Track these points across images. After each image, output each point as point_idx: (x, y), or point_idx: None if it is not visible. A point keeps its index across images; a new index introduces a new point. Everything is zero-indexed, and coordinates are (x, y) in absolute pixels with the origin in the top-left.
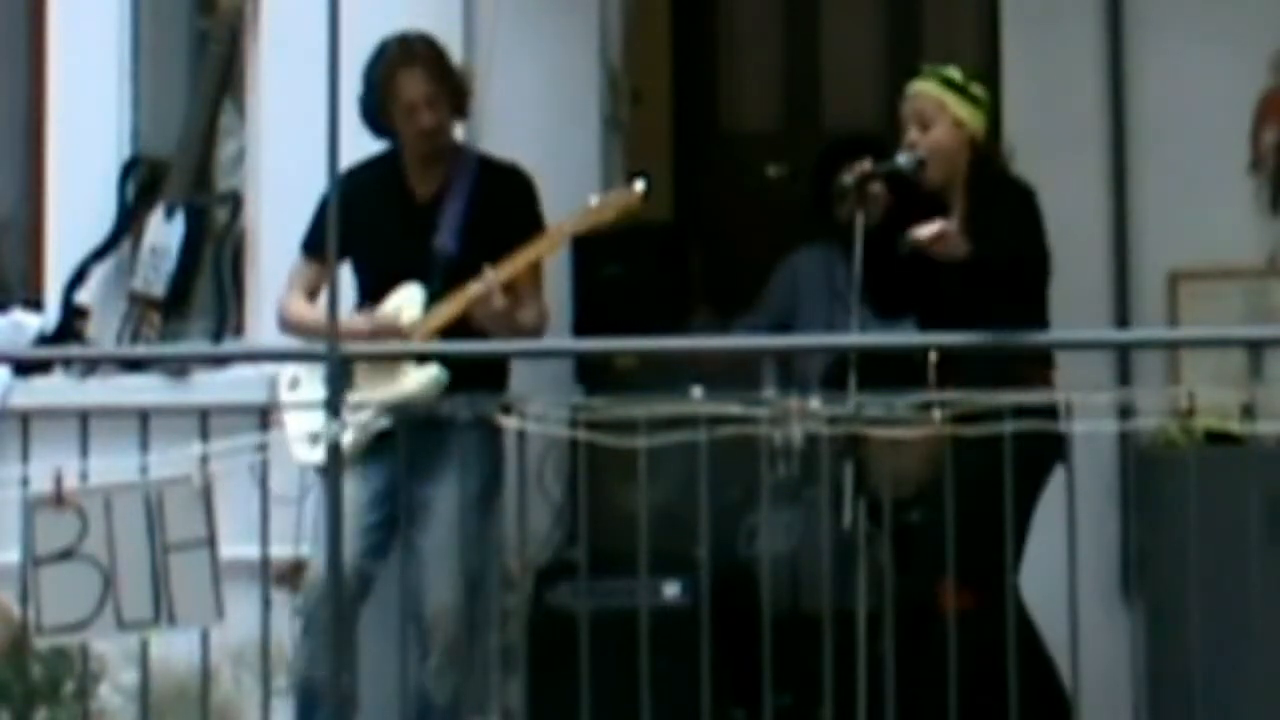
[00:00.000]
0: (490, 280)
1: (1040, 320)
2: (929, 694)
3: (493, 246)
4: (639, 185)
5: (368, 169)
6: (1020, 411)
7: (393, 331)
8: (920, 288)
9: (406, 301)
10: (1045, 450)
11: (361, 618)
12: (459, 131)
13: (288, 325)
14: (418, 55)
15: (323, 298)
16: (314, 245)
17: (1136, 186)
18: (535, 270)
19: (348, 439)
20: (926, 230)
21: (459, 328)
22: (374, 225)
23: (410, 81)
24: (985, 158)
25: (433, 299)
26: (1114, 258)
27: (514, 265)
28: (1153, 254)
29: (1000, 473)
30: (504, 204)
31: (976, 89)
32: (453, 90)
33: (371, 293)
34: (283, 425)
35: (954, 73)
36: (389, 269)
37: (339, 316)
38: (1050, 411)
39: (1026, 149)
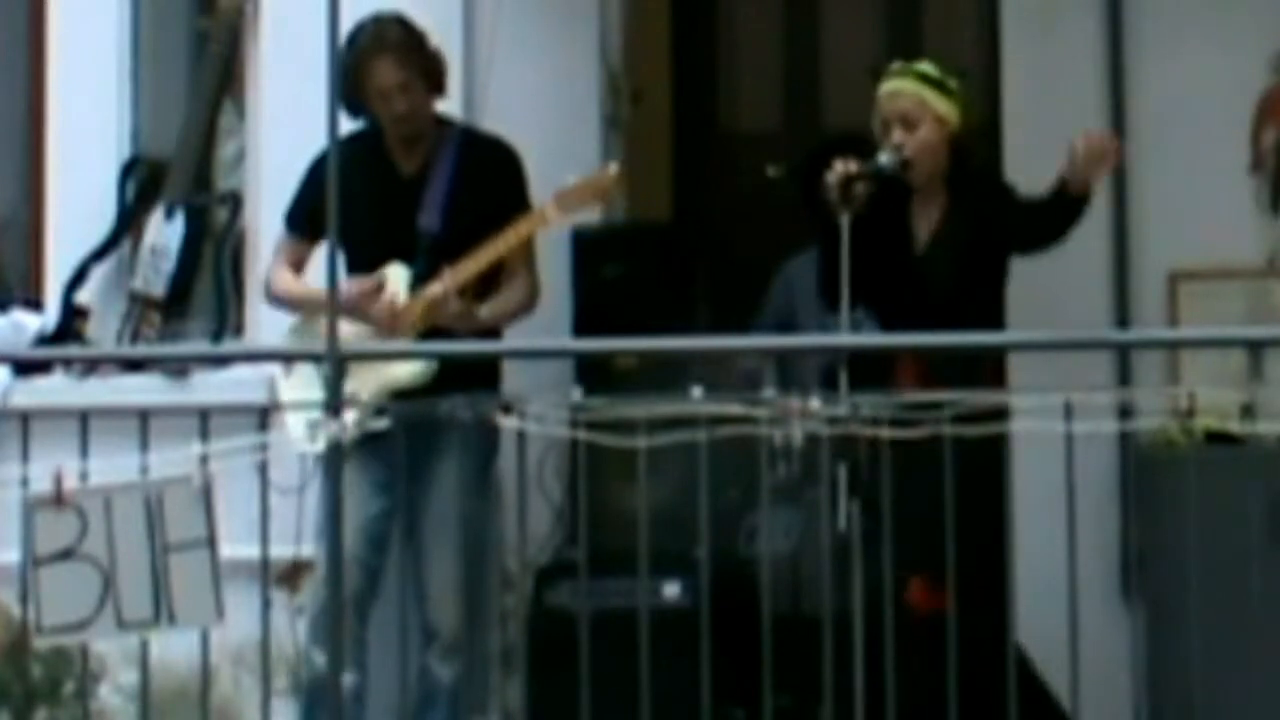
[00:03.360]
0: (447, 284)
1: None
2: (916, 695)
3: (478, 223)
4: (612, 167)
5: (350, 144)
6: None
7: (381, 308)
8: (875, 281)
9: (391, 280)
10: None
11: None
12: (453, 106)
13: (274, 299)
14: (389, 42)
15: (309, 273)
16: (296, 220)
17: (1136, 186)
18: (525, 244)
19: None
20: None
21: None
22: (357, 202)
23: (382, 69)
24: (965, 151)
25: (418, 279)
26: (1114, 258)
27: (476, 263)
28: (1153, 254)
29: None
30: (489, 180)
31: (952, 82)
32: (426, 72)
33: (355, 270)
34: (282, 419)
35: (929, 68)
36: (373, 246)
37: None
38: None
39: (1026, 149)
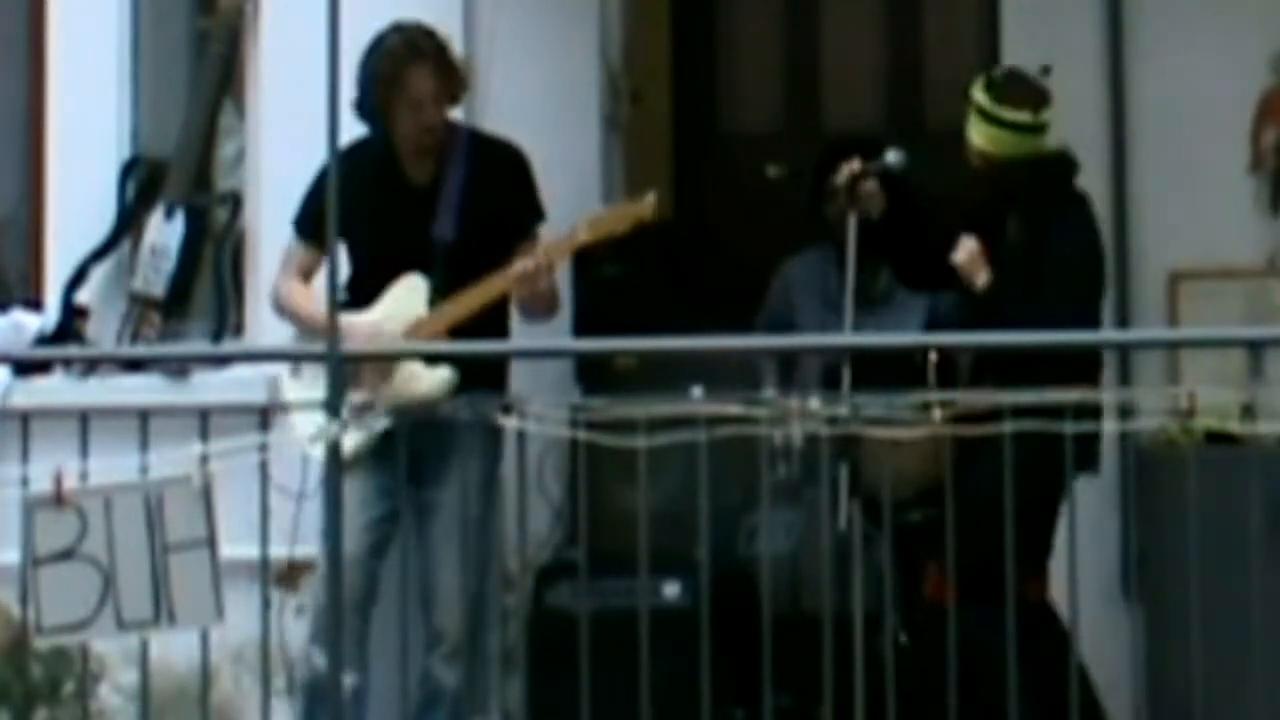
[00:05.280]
0: (540, 258)
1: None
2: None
3: (491, 230)
4: (650, 198)
5: (359, 152)
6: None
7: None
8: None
9: (410, 291)
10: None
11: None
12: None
13: (282, 310)
14: (425, 51)
15: (317, 283)
16: (306, 226)
17: (1136, 186)
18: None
19: (354, 440)
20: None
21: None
22: (370, 210)
23: (419, 78)
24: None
25: (435, 290)
26: (1114, 258)
27: (558, 249)
28: (1153, 254)
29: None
30: (501, 186)
31: (1006, 112)
32: (454, 82)
33: (366, 278)
34: (289, 419)
35: (980, 93)
36: (386, 256)
37: (336, 314)
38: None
39: None
